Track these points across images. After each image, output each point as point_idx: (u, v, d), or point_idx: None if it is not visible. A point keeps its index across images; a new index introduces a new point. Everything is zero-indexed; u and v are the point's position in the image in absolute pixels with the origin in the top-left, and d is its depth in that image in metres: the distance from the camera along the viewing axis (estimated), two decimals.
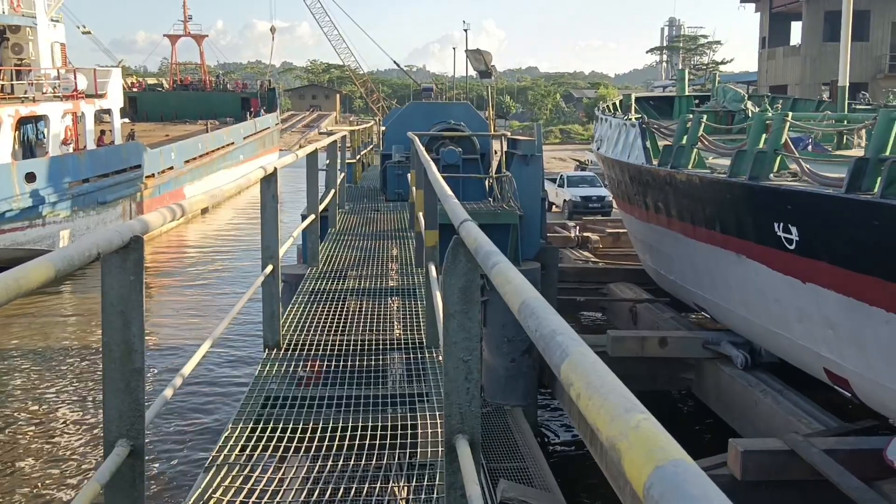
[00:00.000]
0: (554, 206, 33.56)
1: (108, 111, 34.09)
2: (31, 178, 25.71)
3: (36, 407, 14.95)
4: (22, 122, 27.48)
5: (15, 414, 14.60)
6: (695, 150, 13.51)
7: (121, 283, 2.77)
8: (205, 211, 37.50)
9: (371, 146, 30.68)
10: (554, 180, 34.66)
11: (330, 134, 13.76)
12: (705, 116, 14.02)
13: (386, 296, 8.34)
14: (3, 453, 12.91)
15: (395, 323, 7.31)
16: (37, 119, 28.42)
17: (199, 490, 3.97)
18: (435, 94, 47.78)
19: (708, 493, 0.76)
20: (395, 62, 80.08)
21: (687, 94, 24.37)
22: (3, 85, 29.32)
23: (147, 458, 2.93)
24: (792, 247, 10.46)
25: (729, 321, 13.43)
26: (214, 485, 4.04)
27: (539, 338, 1.40)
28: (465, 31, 57.42)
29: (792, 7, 37.61)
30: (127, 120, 39.31)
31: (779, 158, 11.20)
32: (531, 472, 10.78)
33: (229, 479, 4.13)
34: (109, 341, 2.79)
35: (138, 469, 2.85)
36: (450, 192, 4.05)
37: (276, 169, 6.04)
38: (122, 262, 2.75)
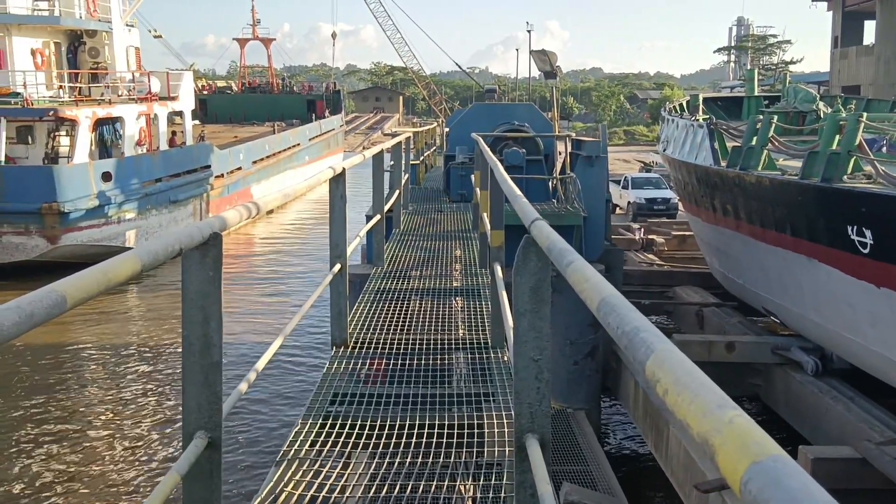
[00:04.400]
0: (618, 209, 33.18)
1: (180, 113, 34.86)
2: (107, 177, 26.46)
3: (113, 400, 15.36)
4: (99, 124, 28.25)
5: (94, 407, 15.02)
6: (765, 151, 13.26)
7: (200, 278, 2.84)
8: (270, 210, 38.05)
9: (434, 147, 30.83)
10: (618, 182, 34.29)
11: (394, 135, 13.84)
12: (776, 117, 13.74)
13: (450, 296, 8.37)
14: (84, 445, 13.28)
15: (460, 323, 7.33)
16: (113, 121, 29.19)
17: (272, 483, 4.05)
18: (498, 95, 47.63)
19: (808, 486, 0.75)
20: (456, 64, 79.84)
21: (756, 94, 23.89)
22: (80, 88, 30.20)
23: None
24: (866, 250, 10.20)
25: (799, 326, 13.14)
26: (286, 478, 4.12)
27: (621, 335, 1.39)
28: (529, 32, 57.04)
29: (865, 6, 36.58)
30: (197, 122, 40.11)
31: (853, 160, 10.93)
32: (594, 475, 10.70)
33: (300, 473, 4.21)
34: (189, 335, 2.85)
35: (216, 460, 2.91)
36: (519, 192, 4.06)
37: (344, 169, 6.13)
38: (202, 257, 2.82)
